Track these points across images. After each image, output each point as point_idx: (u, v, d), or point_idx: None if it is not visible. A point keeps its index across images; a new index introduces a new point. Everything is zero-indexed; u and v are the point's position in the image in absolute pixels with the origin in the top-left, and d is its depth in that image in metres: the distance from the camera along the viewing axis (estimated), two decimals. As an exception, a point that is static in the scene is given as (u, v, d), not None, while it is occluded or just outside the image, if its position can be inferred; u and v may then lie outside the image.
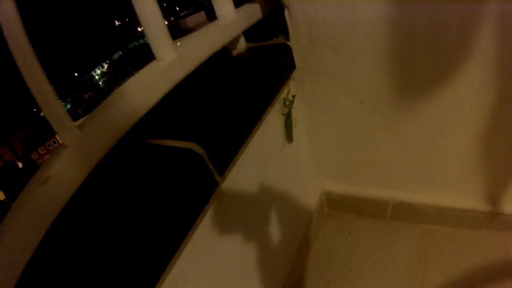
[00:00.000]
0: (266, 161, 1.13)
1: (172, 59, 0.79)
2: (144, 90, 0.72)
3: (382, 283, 1.45)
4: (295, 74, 1.24)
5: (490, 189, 1.38)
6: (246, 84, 0.93)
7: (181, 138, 0.71)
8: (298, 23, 1.12)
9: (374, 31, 1.05)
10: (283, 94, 1.21)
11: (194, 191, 0.68)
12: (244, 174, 0.97)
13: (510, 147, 1.21)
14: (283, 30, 1.16)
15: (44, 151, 34.93)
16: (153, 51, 0.82)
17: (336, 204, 1.71)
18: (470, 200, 1.43)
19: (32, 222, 0.56)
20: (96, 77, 48.52)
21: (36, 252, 0.56)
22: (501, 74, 1.03)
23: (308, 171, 1.56)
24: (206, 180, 0.71)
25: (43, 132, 35.68)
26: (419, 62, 1.09)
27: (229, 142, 0.83)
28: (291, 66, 1.18)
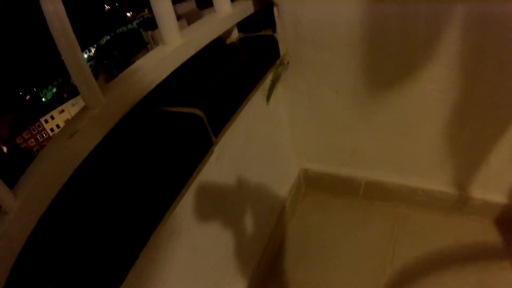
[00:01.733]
0: (251, 135, 1.29)
1: (179, 44, 0.95)
2: (155, 68, 0.88)
3: (354, 259, 1.55)
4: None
5: (458, 175, 1.51)
6: (238, 66, 1.11)
7: (186, 105, 0.88)
8: (285, 20, 1.29)
9: (350, 31, 1.22)
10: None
11: (196, 145, 0.88)
12: (232, 143, 1.15)
13: (474, 138, 1.35)
14: (271, 24, 1.32)
15: (28, 135, 34.33)
16: (162, 36, 0.97)
17: (312, 183, 1.85)
18: (439, 184, 1.56)
19: (56, 171, 0.66)
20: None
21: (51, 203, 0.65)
22: (462, 73, 1.19)
23: (288, 151, 1.72)
24: (204, 138, 0.90)
25: (28, 117, 35.08)
26: (389, 60, 1.25)
27: (223, 110, 1.02)
28: (277, 55, 1.35)
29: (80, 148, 0.71)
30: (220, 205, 1.15)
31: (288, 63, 1.39)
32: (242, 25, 1.32)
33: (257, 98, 1.27)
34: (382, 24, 1.18)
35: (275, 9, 1.28)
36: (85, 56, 47.69)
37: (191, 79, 1.02)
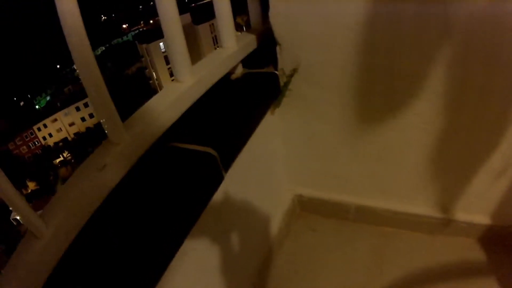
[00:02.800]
0: (251, 165, 1.40)
1: (192, 82, 1.06)
2: (171, 107, 0.99)
3: (343, 275, 1.64)
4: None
5: (442, 199, 1.61)
6: (245, 106, 1.24)
7: (200, 144, 0.99)
8: (285, 59, 1.41)
9: (340, 72, 1.36)
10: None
11: (210, 181, 0.98)
12: (236, 174, 1.23)
13: (456, 163, 1.46)
14: (273, 59, 1.44)
15: (21, 142, 34.00)
16: (175, 73, 1.07)
17: (305, 206, 1.95)
18: (423, 207, 1.65)
19: (86, 200, 0.74)
20: (77, 70, 47.56)
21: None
22: (445, 107, 1.32)
23: (283, 177, 1.83)
24: (217, 174, 1.00)
25: (22, 123, 34.79)
26: (376, 95, 1.38)
27: (233, 149, 1.13)
28: (277, 91, 1.47)
29: (109, 180, 0.81)
30: (222, 228, 1.25)
31: (294, 70, 1.47)
32: (246, 59, 1.42)
33: (259, 132, 1.38)
34: (369, 64, 1.31)
35: (278, 48, 1.40)
36: (79, 66, 47.38)
37: (204, 117, 1.14)
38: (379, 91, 1.37)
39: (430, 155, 1.48)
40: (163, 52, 34.75)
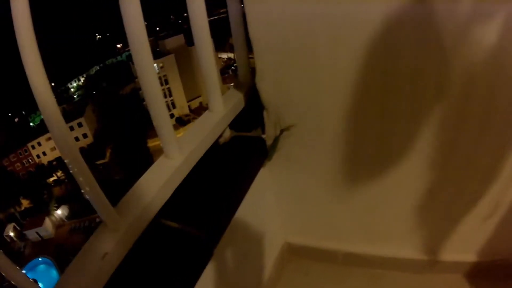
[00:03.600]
0: (245, 224, 1.47)
1: (181, 160, 1.12)
2: (163, 188, 1.05)
3: None
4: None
5: (428, 243, 1.68)
6: (233, 172, 1.32)
7: (188, 223, 1.05)
8: (272, 122, 1.47)
9: (328, 135, 1.44)
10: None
11: (196, 261, 1.04)
12: (231, 242, 1.31)
13: (443, 213, 1.54)
14: (261, 118, 1.48)
15: (15, 159, 33.75)
16: (164, 149, 1.13)
17: (296, 252, 2.00)
18: (410, 251, 1.72)
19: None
20: (72, 89, 47.59)
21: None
22: (433, 166, 1.41)
23: (275, 226, 1.89)
24: (205, 252, 1.07)
25: (16, 140, 34.59)
26: (365, 156, 1.47)
27: (221, 227, 1.20)
28: (265, 155, 1.53)
29: (109, 267, 0.87)
30: (220, 276, 1.31)
31: (282, 131, 1.53)
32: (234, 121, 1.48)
33: (252, 189, 1.43)
34: (358, 128, 1.39)
35: (264, 113, 1.46)
36: (74, 85, 47.75)
37: (193, 190, 1.20)
38: (367, 152, 1.45)
39: (417, 205, 1.56)
40: (157, 74, 34.07)
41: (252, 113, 1.52)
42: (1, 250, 0.68)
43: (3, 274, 0.69)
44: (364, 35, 1.17)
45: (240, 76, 1.58)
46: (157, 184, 1.03)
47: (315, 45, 1.23)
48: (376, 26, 1.14)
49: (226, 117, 1.40)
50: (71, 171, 0.82)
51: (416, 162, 1.41)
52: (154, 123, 1.08)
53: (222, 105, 1.38)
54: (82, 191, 0.85)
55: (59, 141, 0.82)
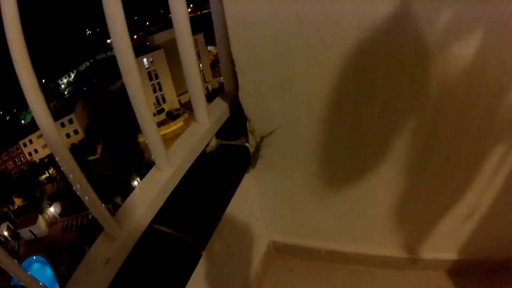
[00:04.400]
0: (232, 226, 1.59)
1: (172, 172, 1.22)
2: (155, 198, 1.15)
3: None
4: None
5: (408, 242, 1.77)
6: (218, 183, 1.45)
7: (178, 228, 1.17)
8: (255, 132, 1.58)
9: (307, 145, 1.55)
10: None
11: (186, 262, 1.16)
12: (219, 245, 1.44)
13: (422, 213, 1.64)
14: (245, 130, 1.60)
15: (7, 157, 33.50)
16: (155, 161, 1.23)
17: (281, 250, 2.12)
18: (391, 250, 1.82)
19: None
20: (62, 86, 47.13)
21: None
22: (406, 170, 1.51)
23: (261, 227, 2.00)
24: (195, 254, 1.19)
25: (8, 138, 34.28)
26: (342, 161, 1.58)
27: (208, 232, 1.32)
28: (249, 162, 1.65)
29: (112, 271, 0.99)
30: (210, 274, 1.43)
31: (262, 138, 1.63)
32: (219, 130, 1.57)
33: (237, 193, 1.54)
34: (335, 138, 1.50)
35: (248, 124, 1.56)
36: (65, 81, 47.36)
37: (183, 198, 1.30)
38: (343, 160, 1.56)
39: (396, 208, 1.66)
40: (146, 68, 34.84)
41: (237, 122, 1.61)
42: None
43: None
44: (338, 53, 1.25)
45: (225, 87, 1.67)
46: (151, 195, 1.14)
47: (291, 64, 1.32)
48: (350, 42, 1.21)
49: (212, 128, 1.49)
50: (74, 188, 0.93)
51: (391, 169, 1.51)
52: (145, 138, 1.18)
53: (208, 117, 1.47)
54: (86, 205, 0.97)
55: (50, 139, 0.93)
